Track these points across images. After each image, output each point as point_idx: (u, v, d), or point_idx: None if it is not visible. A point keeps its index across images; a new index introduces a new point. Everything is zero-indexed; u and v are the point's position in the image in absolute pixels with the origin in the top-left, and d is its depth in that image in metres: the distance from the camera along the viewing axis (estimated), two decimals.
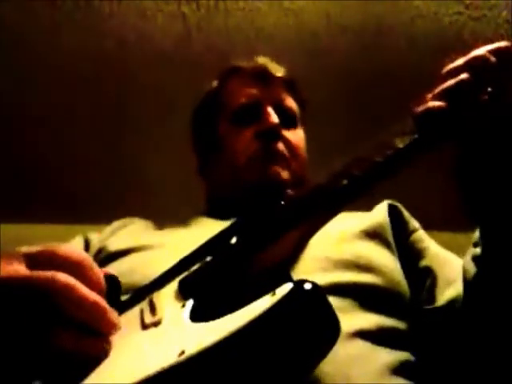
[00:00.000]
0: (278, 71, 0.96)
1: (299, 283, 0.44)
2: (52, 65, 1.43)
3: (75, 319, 0.45)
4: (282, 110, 0.93)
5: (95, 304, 0.46)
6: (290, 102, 0.96)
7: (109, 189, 1.52)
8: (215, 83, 1.01)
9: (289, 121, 0.94)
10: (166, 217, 0.91)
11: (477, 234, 0.63)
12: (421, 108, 0.55)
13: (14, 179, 1.48)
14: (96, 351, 0.47)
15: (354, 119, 1.51)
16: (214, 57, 1.44)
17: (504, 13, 1.45)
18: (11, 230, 1.27)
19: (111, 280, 0.53)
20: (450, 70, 0.56)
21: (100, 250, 0.84)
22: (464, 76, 0.54)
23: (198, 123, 1.03)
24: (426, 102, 0.55)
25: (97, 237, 0.89)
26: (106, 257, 0.81)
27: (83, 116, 1.49)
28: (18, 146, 1.48)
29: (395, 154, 0.53)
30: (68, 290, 0.45)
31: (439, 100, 0.54)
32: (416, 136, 0.53)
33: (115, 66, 1.45)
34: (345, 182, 0.54)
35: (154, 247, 0.79)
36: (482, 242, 0.61)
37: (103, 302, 0.47)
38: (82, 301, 0.45)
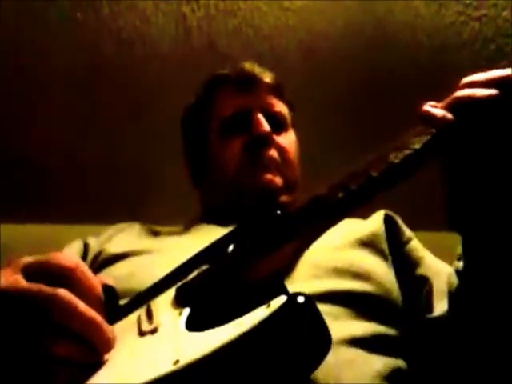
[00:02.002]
0: (265, 76, 0.95)
1: (293, 296, 0.45)
2: (51, 65, 1.43)
3: (71, 331, 0.46)
4: (271, 115, 0.92)
5: (92, 320, 0.47)
6: (280, 107, 0.96)
7: (109, 189, 1.52)
8: (202, 94, 1.00)
9: (279, 125, 0.93)
10: (166, 218, 0.92)
11: (460, 249, 0.63)
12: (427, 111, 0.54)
13: (13, 179, 1.48)
14: (89, 362, 0.47)
15: (355, 119, 1.51)
16: (214, 57, 1.44)
17: (504, 13, 1.45)
18: (11, 230, 1.27)
19: (108, 290, 0.53)
20: (479, 80, 0.54)
21: (99, 253, 0.84)
22: (494, 92, 0.52)
23: (187, 135, 1.03)
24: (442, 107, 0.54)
25: (96, 240, 0.89)
26: (104, 260, 0.81)
27: (83, 116, 1.49)
28: (18, 146, 1.48)
29: (390, 169, 0.53)
30: (66, 305, 0.46)
31: (457, 105, 0.53)
32: (411, 151, 0.53)
33: (115, 66, 1.45)
34: (341, 194, 0.54)
35: (152, 252, 0.79)
36: (464, 255, 0.61)
37: (99, 319, 0.48)
38: (78, 317, 0.46)
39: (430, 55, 1.46)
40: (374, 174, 0.53)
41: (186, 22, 1.43)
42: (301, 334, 0.45)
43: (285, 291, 0.47)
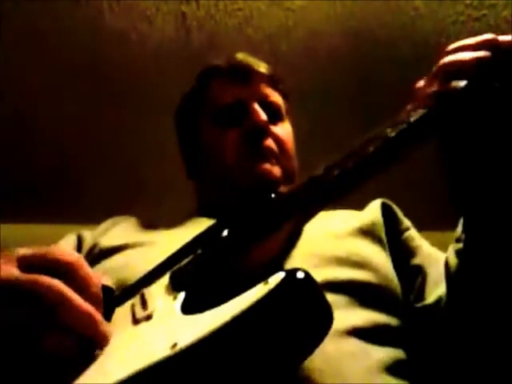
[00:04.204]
0: (260, 66, 0.95)
1: (292, 272, 0.44)
2: (52, 64, 1.43)
3: (66, 325, 0.45)
4: (267, 105, 0.91)
5: (87, 314, 0.46)
6: (275, 97, 0.95)
7: (109, 189, 1.52)
8: (196, 84, 0.99)
9: (275, 116, 0.93)
10: (164, 217, 0.91)
11: (459, 230, 0.63)
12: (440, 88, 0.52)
13: (13, 179, 1.48)
14: (81, 356, 0.46)
15: (355, 119, 1.51)
16: (214, 57, 1.44)
17: (504, 13, 1.44)
18: (11, 230, 1.27)
19: (106, 290, 0.52)
20: (466, 45, 0.53)
21: (93, 247, 0.83)
22: (485, 53, 0.51)
23: (181, 127, 1.02)
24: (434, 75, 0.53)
25: (90, 234, 0.88)
26: (98, 253, 0.80)
27: (83, 116, 1.49)
28: (18, 146, 1.48)
29: (385, 145, 0.52)
30: (61, 297, 0.45)
31: (448, 75, 0.52)
32: (405, 125, 0.52)
33: (115, 66, 1.45)
34: (336, 173, 0.53)
35: (146, 244, 0.79)
36: (465, 234, 0.61)
37: (95, 313, 0.47)
38: (73, 310, 0.45)
39: (430, 55, 1.46)
40: (370, 151, 0.52)
41: (186, 22, 1.43)
42: (302, 309, 0.43)
43: (282, 269, 0.45)
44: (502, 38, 0.52)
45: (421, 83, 0.55)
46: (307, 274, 0.44)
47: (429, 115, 0.52)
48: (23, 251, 0.49)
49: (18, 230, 1.34)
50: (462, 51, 0.53)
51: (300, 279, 0.43)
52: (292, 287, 0.43)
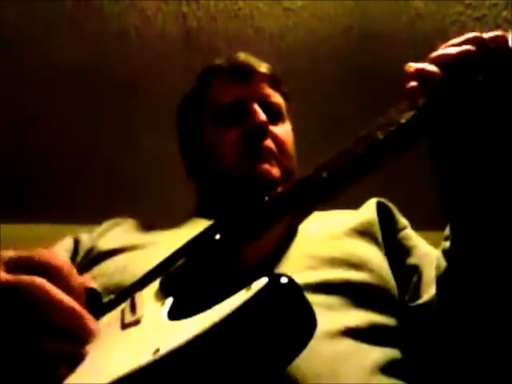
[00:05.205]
0: (260, 66, 0.95)
1: (275, 277, 0.43)
2: (52, 64, 1.43)
3: (52, 324, 0.45)
4: (267, 105, 0.91)
5: (72, 309, 0.46)
6: (275, 97, 0.95)
7: (108, 189, 1.52)
8: (197, 84, 1.00)
9: (275, 116, 0.93)
10: (163, 217, 0.91)
11: (447, 229, 0.63)
12: (416, 67, 0.55)
13: (13, 179, 1.48)
14: (72, 356, 0.46)
15: (355, 119, 1.51)
16: (214, 57, 1.44)
17: (504, 13, 1.45)
18: (11, 230, 1.27)
19: (91, 292, 0.52)
20: (453, 43, 0.56)
21: (91, 250, 0.83)
22: (469, 47, 0.54)
23: (182, 126, 1.02)
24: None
25: (87, 236, 0.88)
26: (96, 256, 0.80)
27: (83, 117, 1.49)
28: (18, 146, 1.48)
29: (374, 146, 0.53)
30: (44, 294, 0.45)
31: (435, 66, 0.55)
32: (395, 127, 0.52)
33: (115, 66, 1.45)
34: (326, 173, 0.53)
35: (145, 246, 0.79)
36: (452, 234, 0.61)
37: (80, 308, 0.47)
38: (58, 306, 0.45)
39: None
40: (359, 152, 0.53)
41: (186, 22, 1.43)
42: (285, 315, 0.42)
43: (268, 274, 0.45)
44: (487, 34, 0.54)
45: (413, 82, 0.56)
46: (290, 279, 0.43)
47: (418, 116, 0.53)
48: (9, 254, 0.50)
49: (18, 230, 1.34)
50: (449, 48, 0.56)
51: (283, 285, 0.43)
52: (274, 292, 0.43)
